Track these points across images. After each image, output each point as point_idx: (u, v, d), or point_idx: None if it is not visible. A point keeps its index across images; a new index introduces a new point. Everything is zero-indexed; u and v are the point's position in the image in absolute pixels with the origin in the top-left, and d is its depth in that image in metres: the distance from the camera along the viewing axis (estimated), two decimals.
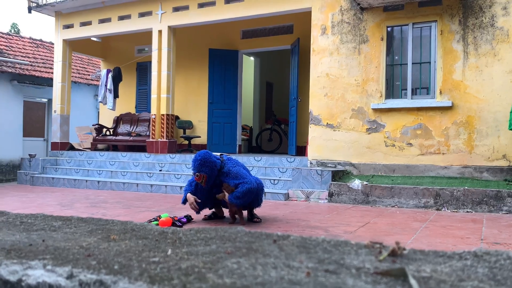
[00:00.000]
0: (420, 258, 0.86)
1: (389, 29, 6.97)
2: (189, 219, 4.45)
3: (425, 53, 6.78)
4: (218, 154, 4.63)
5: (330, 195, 6.25)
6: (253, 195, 4.26)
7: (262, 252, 0.73)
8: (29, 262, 0.67)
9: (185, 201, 4.46)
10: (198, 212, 4.49)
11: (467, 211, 5.45)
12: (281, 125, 10.66)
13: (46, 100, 12.32)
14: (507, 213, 5.29)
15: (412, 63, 6.84)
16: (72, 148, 10.39)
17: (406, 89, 6.90)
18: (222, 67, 9.83)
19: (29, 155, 9.68)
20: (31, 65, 11.89)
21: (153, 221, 4.34)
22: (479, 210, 5.45)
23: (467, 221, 4.79)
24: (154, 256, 0.72)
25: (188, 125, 10.29)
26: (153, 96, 8.97)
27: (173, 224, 4.12)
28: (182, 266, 0.67)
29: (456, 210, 5.51)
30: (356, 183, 6.16)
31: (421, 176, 6.46)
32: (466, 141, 6.36)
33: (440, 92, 6.54)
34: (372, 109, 6.88)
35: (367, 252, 0.76)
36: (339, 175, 6.65)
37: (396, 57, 7.04)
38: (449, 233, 4.04)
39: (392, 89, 7.01)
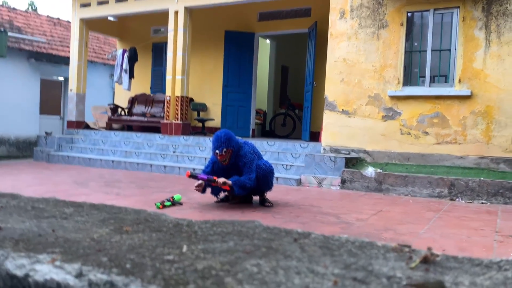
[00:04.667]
0: (455, 266, 0.80)
1: (409, 14, 6.81)
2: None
3: (445, 40, 6.63)
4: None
5: (343, 182, 6.22)
6: (254, 184, 4.30)
7: (283, 253, 0.69)
8: (37, 256, 0.63)
9: (204, 190, 4.46)
10: (203, 192, 4.48)
11: (482, 202, 5.38)
12: (295, 110, 10.58)
13: (62, 78, 12.41)
14: None
15: (432, 50, 6.69)
16: (87, 127, 10.49)
17: (424, 77, 6.77)
18: (237, 50, 9.75)
19: (45, 132, 9.81)
20: (48, 43, 11.95)
21: (166, 202, 4.37)
22: (494, 202, 5.37)
23: (482, 212, 4.73)
24: (169, 254, 0.68)
25: (202, 107, 10.29)
26: (168, 77, 8.96)
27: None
28: (198, 267, 0.64)
29: (470, 201, 5.44)
30: (370, 171, 6.11)
31: (436, 166, 6.38)
32: (483, 131, 6.24)
33: (459, 81, 6.40)
34: (389, 96, 6.77)
35: (396, 257, 0.72)
36: (353, 162, 6.60)
37: (415, 44, 6.89)
38: (463, 224, 4.00)
39: (410, 76, 6.88)
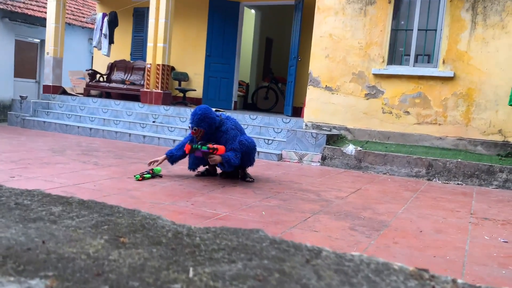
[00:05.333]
0: None
1: None
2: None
3: (432, 20, 6.59)
4: (213, 109, 4.55)
5: (323, 158, 6.24)
6: (239, 160, 4.28)
7: (299, 281, 0.61)
8: (28, 282, 0.54)
9: (193, 168, 4.50)
10: (171, 164, 4.56)
11: (458, 183, 5.49)
12: (278, 84, 10.49)
13: (38, 40, 11.94)
14: (497, 188, 5.34)
15: (418, 30, 6.66)
16: (64, 92, 10.19)
17: (408, 56, 6.76)
18: (222, 19, 9.52)
19: (20, 96, 9.48)
20: (24, 2, 11.42)
21: (146, 174, 4.30)
22: (470, 183, 5.49)
23: (458, 193, 4.82)
24: (175, 280, 0.58)
25: (184, 77, 10.09)
26: (149, 44, 8.71)
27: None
28: None
29: (447, 182, 5.55)
30: (350, 148, 6.14)
31: (415, 145, 6.46)
32: (463, 113, 6.32)
33: (443, 62, 6.41)
34: (373, 74, 6.75)
35: (417, 285, 0.66)
36: (334, 139, 6.62)
37: (402, 22, 6.84)
38: (439, 205, 4.07)
39: (395, 55, 6.86)
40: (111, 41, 10.21)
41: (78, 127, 8.11)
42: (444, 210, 3.85)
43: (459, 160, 5.61)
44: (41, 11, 11.53)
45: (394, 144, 6.53)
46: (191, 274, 0.59)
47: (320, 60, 7.08)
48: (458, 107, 6.33)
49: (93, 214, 0.76)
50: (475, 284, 0.70)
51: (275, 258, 0.64)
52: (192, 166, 4.56)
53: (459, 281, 0.68)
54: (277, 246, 0.68)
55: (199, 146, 4.22)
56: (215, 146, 4.20)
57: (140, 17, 10.88)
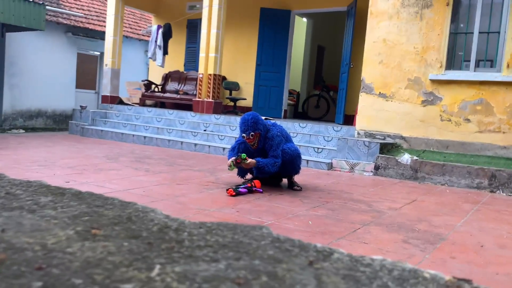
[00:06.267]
0: None
1: None
2: (250, 190, 4.09)
3: (495, 22, 6.19)
4: (263, 118, 4.49)
5: (376, 168, 6.00)
6: (277, 168, 4.16)
7: (290, 287, 0.51)
8: None
9: (242, 173, 4.42)
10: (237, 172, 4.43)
11: None
12: (329, 92, 10.30)
13: (98, 53, 12.53)
14: None
15: (479, 33, 6.28)
16: (121, 102, 10.58)
17: (469, 61, 6.38)
18: (272, 28, 9.51)
19: (80, 106, 9.96)
20: (85, 17, 12.05)
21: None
22: None
23: None
24: (130, 279, 0.48)
25: (235, 86, 10.17)
26: (202, 55, 8.85)
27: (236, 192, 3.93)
28: None
29: None
30: (405, 158, 5.86)
31: (477, 155, 6.05)
32: None
33: (508, 66, 5.99)
34: (430, 80, 6.43)
35: None
36: (388, 148, 6.36)
37: (461, 25, 6.48)
38: (503, 219, 3.75)
39: (454, 59, 6.50)
40: (165, 52, 10.51)
41: (133, 135, 8.36)
42: (508, 224, 3.53)
43: None
44: (101, 25, 12.11)
45: (454, 154, 6.16)
46: (154, 273, 0.50)
47: (373, 66, 6.86)
48: None
49: (81, 205, 0.70)
50: None
51: (270, 259, 0.53)
52: (241, 173, 4.50)
53: None
54: (278, 245, 0.57)
55: (243, 156, 4.11)
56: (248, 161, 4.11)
57: (193, 28, 11.13)
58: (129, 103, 10.86)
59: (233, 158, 4.14)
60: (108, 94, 10.29)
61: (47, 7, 9.84)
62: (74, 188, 0.83)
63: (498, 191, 5.23)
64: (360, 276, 0.55)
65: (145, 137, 8.20)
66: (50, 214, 0.65)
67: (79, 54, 11.98)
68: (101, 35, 11.86)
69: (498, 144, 6.02)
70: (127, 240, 0.58)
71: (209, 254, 0.55)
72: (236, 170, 4.41)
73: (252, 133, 4.14)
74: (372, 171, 6.00)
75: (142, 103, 10.73)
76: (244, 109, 9.96)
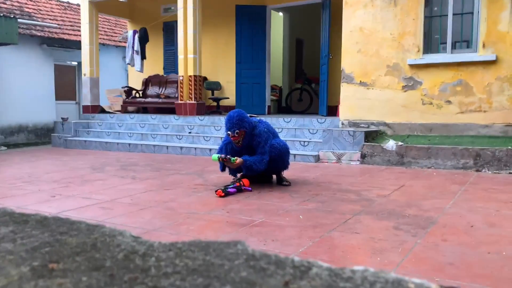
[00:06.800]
0: None
1: None
2: (239, 189, 4.08)
3: (468, 3, 6.26)
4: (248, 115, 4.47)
5: (363, 156, 6.03)
6: (265, 165, 4.15)
7: None
8: None
9: (223, 168, 4.33)
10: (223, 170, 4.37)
11: (510, 173, 5.14)
12: (311, 84, 10.32)
13: (76, 63, 12.36)
14: None
15: (453, 14, 6.34)
16: (103, 111, 10.46)
17: (445, 43, 6.44)
18: (249, 24, 9.48)
19: (62, 118, 9.81)
20: (60, 28, 11.86)
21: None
22: None
23: (511, 183, 4.50)
24: None
25: (216, 86, 10.12)
26: (180, 56, 8.78)
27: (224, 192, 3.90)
28: None
29: (498, 172, 5.20)
30: (390, 144, 5.90)
31: (460, 136, 6.12)
32: (510, 98, 5.93)
33: (483, 45, 6.06)
34: (409, 65, 6.48)
35: None
36: (372, 135, 6.39)
37: (435, 8, 6.53)
38: (491, 197, 3.80)
39: (430, 43, 6.56)
40: (143, 57, 10.41)
41: (118, 143, 8.27)
42: (496, 202, 3.58)
43: (510, 147, 5.25)
44: (76, 35, 11.93)
45: (438, 136, 6.22)
46: None
47: (352, 56, 6.88)
48: (504, 91, 5.96)
49: (44, 234, 0.66)
50: None
51: (242, 282, 0.49)
52: (232, 172, 4.45)
53: None
54: (253, 264, 0.54)
55: (232, 160, 4.09)
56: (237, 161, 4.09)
57: (170, 30, 11.04)
58: (111, 111, 10.74)
59: (221, 156, 4.11)
60: (89, 104, 10.16)
61: (19, 20, 9.65)
62: (40, 214, 0.79)
63: (483, 170, 5.30)
64: None
65: (129, 144, 8.12)
66: (7, 248, 0.60)
67: (56, 65, 11.80)
68: (77, 45, 11.68)
69: (480, 123, 6.10)
70: (87, 274, 0.53)
71: (175, 283, 0.50)
72: (219, 162, 4.35)
73: (238, 130, 4.12)
74: (359, 160, 6.03)
75: (124, 110, 10.62)
76: (228, 109, 9.92)
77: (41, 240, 0.63)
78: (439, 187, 4.29)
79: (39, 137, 11.23)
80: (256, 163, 4.11)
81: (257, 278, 0.50)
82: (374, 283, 0.49)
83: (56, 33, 11.56)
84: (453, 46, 6.40)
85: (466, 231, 2.75)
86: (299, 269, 0.52)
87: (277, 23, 11.24)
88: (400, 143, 5.91)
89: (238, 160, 4.10)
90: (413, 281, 0.50)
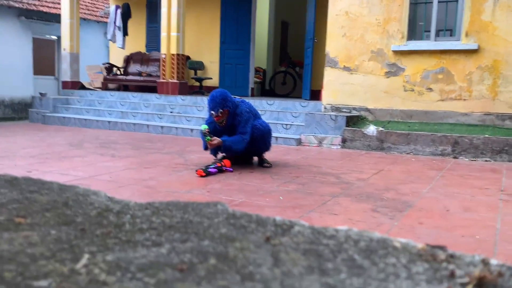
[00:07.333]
0: None
1: None
2: (220, 170, 4.05)
3: None
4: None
5: (344, 141, 6.07)
6: (244, 146, 4.12)
7: (241, 269, 0.42)
8: None
9: (207, 146, 4.27)
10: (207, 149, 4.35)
11: (486, 160, 5.25)
12: (295, 68, 10.28)
13: (55, 37, 12.03)
14: None
15: (438, 2, 6.36)
16: (82, 87, 10.24)
17: (429, 31, 6.47)
18: (235, 4, 9.35)
19: (40, 93, 9.58)
20: (39, 0, 11.49)
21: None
22: (499, 160, 5.24)
23: (486, 170, 4.60)
24: (47, 275, 0.41)
25: (200, 66, 10.00)
26: (163, 34, 8.63)
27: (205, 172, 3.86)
28: None
29: (474, 159, 5.31)
30: (371, 129, 5.95)
31: (440, 123, 6.21)
32: (490, 87, 6.03)
33: (466, 34, 6.11)
34: (393, 51, 6.50)
35: (427, 272, 0.46)
36: (354, 120, 6.43)
37: None
38: (467, 183, 3.88)
39: (415, 30, 6.58)
40: (125, 34, 10.19)
41: (97, 121, 8.13)
42: (472, 188, 3.66)
43: (487, 135, 5.36)
44: (56, 8, 11.58)
45: (418, 123, 6.30)
46: (80, 264, 0.45)
47: (337, 40, 6.87)
48: (484, 80, 6.05)
49: (13, 192, 0.63)
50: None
51: (222, 238, 0.48)
52: (213, 152, 4.42)
53: (493, 261, 0.48)
54: (233, 222, 0.52)
55: (207, 139, 4.08)
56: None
57: (153, 7, 10.80)
58: (91, 87, 10.53)
59: (207, 128, 4.08)
60: (69, 80, 9.93)
61: None
62: (10, 174, 0.76)
63: (461, 157, 5.40)
64: (322, 250, 0.50)
65: (109, 122, 7.99)
66: None
67: (34, 39, 11.46)
68: (57, 18, 11.35)
69: (459, 111, 6.19)
70: (56, 228, 0.50)
71: (151, 238, 0.49)
72: (203, 141, 4.32)
73: (221, 110, 4.08)
74: (339, 144, 6.07)
75: (104, 87, 10.42)
76: (211, 89, 9.81)
77: (10, 197, 0.61)
78: (417, 173, 4.36)
79: (16, 112, 10.96)
80: (236, 144, 4.09)
81: (237, 234, 0.49)
82: (358, 241, 0.48)
83: (35, 5, 11.20)
84: (437, 34, 6.44)
85: (441, 215, 2.81)
86: (281, 227, 0.51)
87: (263, 3, 11.11)
88: (380, 128, 5.97)
89: (217, 140, 4.07)
90: (399, 240, 0.49)
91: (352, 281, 0.44)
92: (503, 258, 2.08)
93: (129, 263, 0.44)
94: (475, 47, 6.01)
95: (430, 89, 6.34)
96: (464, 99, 6.16)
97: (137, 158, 4.89)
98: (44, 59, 11.95)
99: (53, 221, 0.53)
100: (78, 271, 0.44)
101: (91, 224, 0.53)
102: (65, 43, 9.84)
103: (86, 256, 0.46)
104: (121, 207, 0.59)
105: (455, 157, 5.42)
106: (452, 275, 0.46)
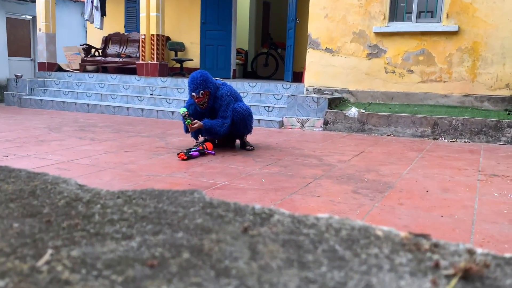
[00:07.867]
0: None
1: None
2: (202, 153, 4.02)
3: None
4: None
5: (326, 123, 6.09)
6: (227, 130, 4.10)
7: (216, 264, 0.39)
8: None
9: (188, 129, 4.22)
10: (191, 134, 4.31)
11: (465, 141, 5.34)
12: (278, 49, 10.21)
13: (30, 17, 11.65)
14: (505, 144, 5.19)
15: None
16: (60, 69, 9.99)
17: (411, 12, 6.48)
18: None
19: (15, 75, 9.32)
20: None
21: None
22: (477, 141, 5.33)
23: (465, 151, 4.68)
24: (4, 274, 0.38)
25: (180, 47, 9.83)
26: (142, 14, 8.43)
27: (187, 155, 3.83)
28: None
29: (453, 140, 5.40)
30: (353, 111, 5.97)
31: (420, 105, 6.27)
32: (469, 69, 6.09)
33: (447, 16, 6.14)
34: (374, 32, 6.49)
35: (411, 263, 0.43)
36: (336, 102, 6.44)
37: None
38: (446, 164, 3.94)
39: (396, 11, 6.58)
40: (103, 14, 9.93)
41: (76, 103, 7.96)
42: (451, 169, 3.72)
43: (466, 117, 5.44)
44: None
45: (398, 105, 6.35)
46: (42, 261, 0.42)
47: (319, 21, 6.82)
48: (464, 62, 6.10)
49: None
50: (503, 255, 0.48)
51: (197, 229, 0.46)
52: (194, 135, 4.38)
53: (479, 250, 0.46)
54: (210, 212, 0.50)
55: (187, 122, 4.04)
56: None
57: None
58: (69, 69, 10.28)
59: (187, 112, 4.03)
60: (45, 61, 9.67)
61: None
62: None
63: (440, 138, 5.48)
64: (302, 240, 0.48)
65: (88, 104, 7.84)
66: None
67: (8, 18, 11.08)
68: None
69: (439, 93, 6.26)
70: (20, 220, 0.47)
71: (121, 230, 0.46)
72: (184, 124, 4.28)
73: (202, 91, 4.03)
74: (321, 127, 6.09)
75: (82, 69, 10.18)
76: (191, 71, 9.68)
77: None
78: (397, 154, 4.41)
79: None
80: (216, 127, 4.07)
81: (213, 225, 0.47)
82: (340, 230, 0.47)
83: None
84: (418, 16, 6.45)
85: (421, 196, 2.85)
86: (260, 216, 0.49)
87: None
88: (362, 110, 5.99)
89: (197, 123, 4.04)
90: (381, 228, 0.48)
91: (333, 274, 0.42)
92: (480, 237, 2.13)
93: (96, 258, 0.42)
94: (456, 29, 6.04)
95: (411, 71, 6.38)
96: (444, 81, 6.22)
97: (117, 141, 4.82)
98: (19, 40, 11.59)
99: (17, 212, 0.50)
100: (39, 268, 0.40)
101: (58, 215, 0.50)
102: (41, 23, 9.54)
103: (50, 251, 0.43)
104: (92, 196, 0.57)
105: (434, 138, 5.49)
106: (436, 266, 0.44)
